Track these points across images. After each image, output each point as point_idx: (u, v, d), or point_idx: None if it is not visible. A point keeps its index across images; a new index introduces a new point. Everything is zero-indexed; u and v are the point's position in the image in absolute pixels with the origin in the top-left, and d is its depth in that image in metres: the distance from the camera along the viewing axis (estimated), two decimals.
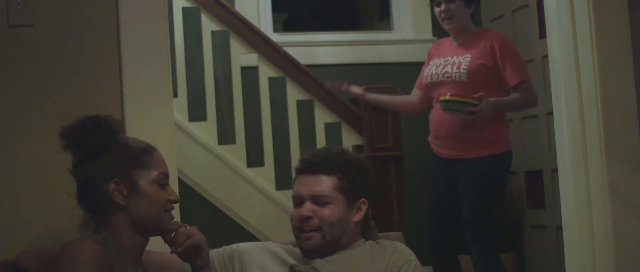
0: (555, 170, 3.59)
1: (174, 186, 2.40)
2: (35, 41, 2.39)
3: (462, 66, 3.50)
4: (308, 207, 2.12)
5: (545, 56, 4.13)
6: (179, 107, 4.31)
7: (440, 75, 3.55)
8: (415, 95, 3.81)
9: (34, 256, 2.11)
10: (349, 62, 5.49)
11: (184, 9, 4.46)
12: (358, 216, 2.16)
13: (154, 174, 1.99)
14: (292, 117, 4.52)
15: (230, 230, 4.35)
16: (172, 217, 2.02)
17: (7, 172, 2.34)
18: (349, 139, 4.51)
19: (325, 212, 2.10)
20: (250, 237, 4.26)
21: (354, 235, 2.18)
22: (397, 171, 4.41)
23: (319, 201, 2.11)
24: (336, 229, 2.11)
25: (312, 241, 2.11)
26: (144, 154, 2.00)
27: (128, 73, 2.44)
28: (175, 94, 4.26)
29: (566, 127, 3.23)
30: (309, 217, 2.11)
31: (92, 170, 1.96)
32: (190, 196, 4.23)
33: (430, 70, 3.62)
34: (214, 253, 2.22)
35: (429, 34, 5.60)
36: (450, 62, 3.55)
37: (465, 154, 3.52)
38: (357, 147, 4.53)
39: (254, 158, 4.46)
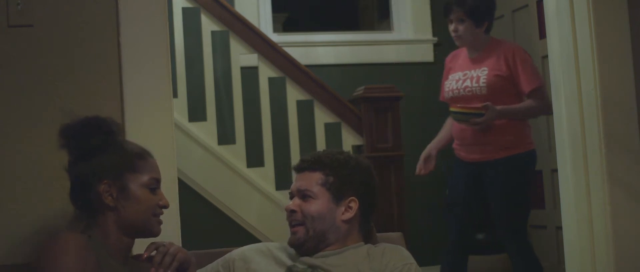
0: (555, 170, 3.59)
1: (173, 186, 2.41)
2: (35, 41, 2.38)
3: (481, 80, 3.71)
4: (295, 202, 2.20)
5: (545, 56, 4.13)
6: (179, 107, 4.30)
7: (461, 90, 3.76)
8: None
9: None
10: (349, 62, 5.49)
11: (184, 9, 4.46)
12: (347, 214, 2.19)
13: (145, 178, 2.01)
14: (292, 117, 4.52)
15: (230, 230, 4.35)
16: (161, 222, 2.04)
17: (6, 172, 2.34)
18: (349, 140, 4.51)
19: (309, 206, 2.17)
20: (250, 237, 4.26)
21: (346, 234, 2.19)
22: (397, 171, 4.41)
23: (304, 195, 2.18)
24: (319, 223, 2.15)
25: (297, 235, 2.17)
26: (138, 158, 2.02)
27: (128, 73, 2.43)
28: (175, 94, 4.26)
29: (566, 127, 3.23)
30: (293, 211, 2.18)
31: (85, 170, 1.98)
32: (190, 196, 4.22)
33: (451, 85, 3.81)
34: (209, 268, 2.24)
35: (429, 34, 5.60)
36: (469, 76, 3.76)
37: (490, 157, 3.70)
38: (357, 148, 4.52)
39: (254, 158, 4.46)
